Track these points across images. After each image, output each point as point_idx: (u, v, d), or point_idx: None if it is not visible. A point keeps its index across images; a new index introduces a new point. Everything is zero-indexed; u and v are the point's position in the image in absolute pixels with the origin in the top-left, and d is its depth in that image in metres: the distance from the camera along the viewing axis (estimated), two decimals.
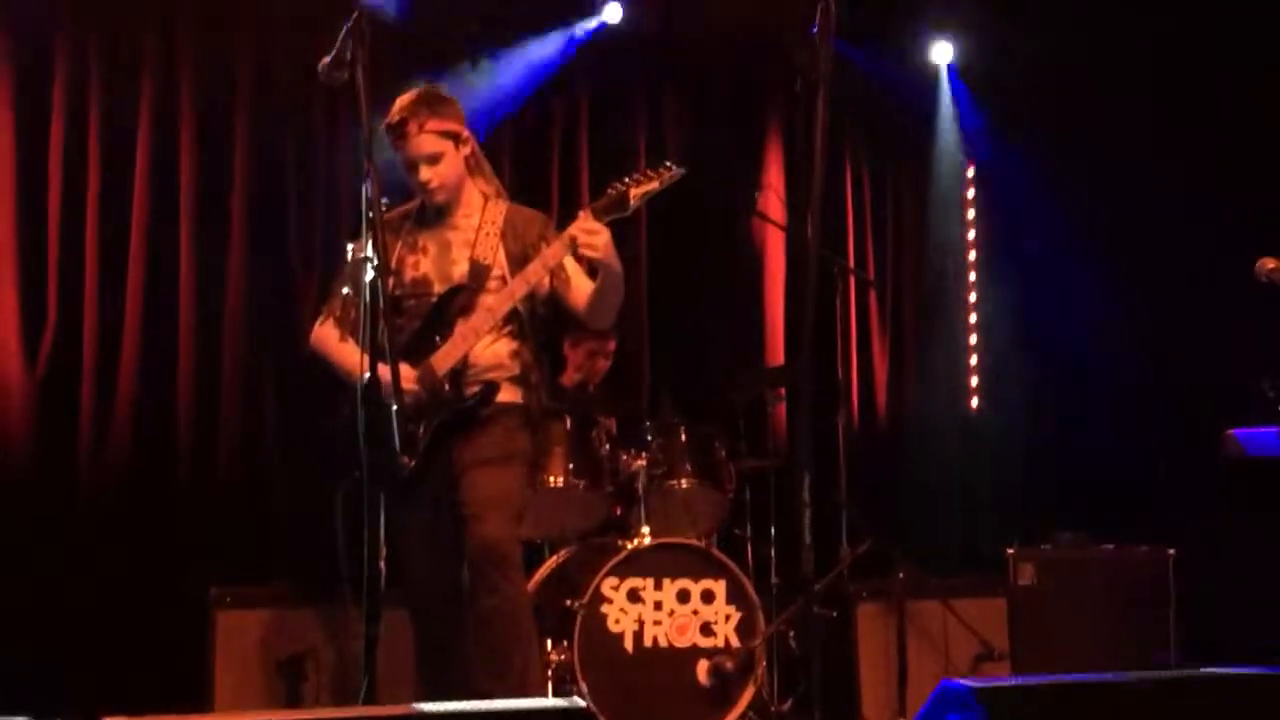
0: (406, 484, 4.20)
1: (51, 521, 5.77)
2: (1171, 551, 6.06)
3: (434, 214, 4.41)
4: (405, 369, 4.10)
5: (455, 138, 4.34)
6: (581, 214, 4.23)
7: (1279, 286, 4.59)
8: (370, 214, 3.57)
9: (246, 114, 6.31)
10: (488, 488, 4.19)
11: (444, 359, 4.24)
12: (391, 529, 4.03)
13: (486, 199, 4.42)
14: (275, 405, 6.23)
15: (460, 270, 4.32)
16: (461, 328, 4.24)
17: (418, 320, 4.30)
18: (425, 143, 4.28)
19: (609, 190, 4.23)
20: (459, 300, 4.28)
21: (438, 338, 4.26)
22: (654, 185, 4.22)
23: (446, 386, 4.23)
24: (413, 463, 4.18)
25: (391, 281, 4.24)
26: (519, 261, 4.30)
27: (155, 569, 5.78)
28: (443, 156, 4.31)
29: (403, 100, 4.33)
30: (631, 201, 4.20)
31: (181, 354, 6.08)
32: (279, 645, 5.03)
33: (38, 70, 5.96)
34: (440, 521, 4.28)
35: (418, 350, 4.26)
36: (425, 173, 4.30)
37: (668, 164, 4.24)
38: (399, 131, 4.28)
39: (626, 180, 4.22)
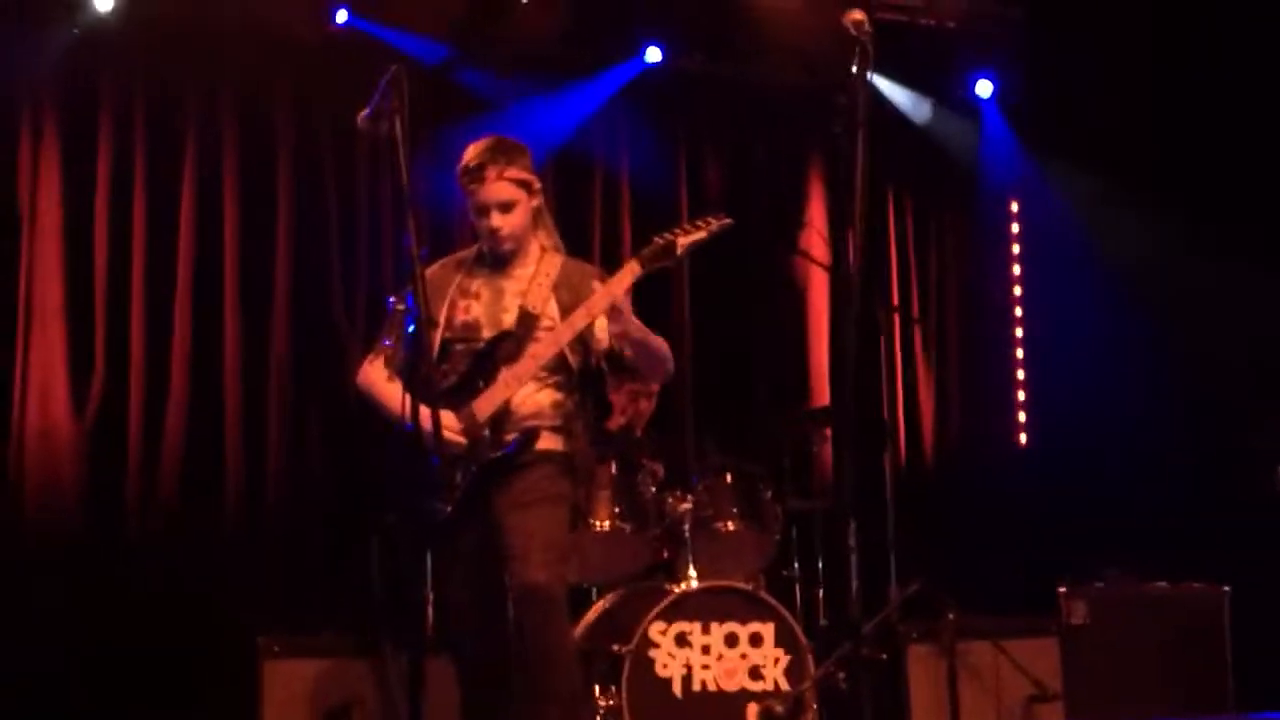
0: (447, 530, 4.19)
1: (100, 570, 5.81)
2: (1226, 589, 5.99)
3: (491, 261, 4.39)
4: (447, 416, 4.10)
5: (529, 187, 4.33)
6: (629, 263, 4.22)
7: None
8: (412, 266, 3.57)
9: (288, 169, 6.38)
10: (529, 529, 4.17)
11: (485, 404, 4.24)
12: (436, 577, 4.05)
13: (544, 251, 4.42)
14: (322, 457, 6.26)
15: (510, 317, 4.32)
16: (505, 374, 4.24)
17: (464, 364, 4.30)
18: (502, 189, 4.27)
19: (656, 240, 4.23)
20: (505, 347, 4.28)
21: (481, 383, 4.26)
22: (701, 235, 4.24)
23: (486, 433, 4.22)
24: (450, 509, 4.17)
25: (442, 324, 4.26)
26: (570, 313, 4.30)
27: (204, 617, 5.80)
28: (516, 205, 4.30)
29: (479, 145, 4.32)
30: (678, 251, 4.21)
31: (228, 407, 6.12)
32: (327, 695, 5.02)
33: (84, 132, 6.05)
34: (484, 567, 4.26)
35: (461, 395, 4.26)
36: (497, 219, 4.28)
37: (716, 214, 4.23)
38: (477, 176, 4.27)
39: (675, 230, 4.23)
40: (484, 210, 4.29)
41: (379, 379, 4.30)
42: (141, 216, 6.09)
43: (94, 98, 6.08)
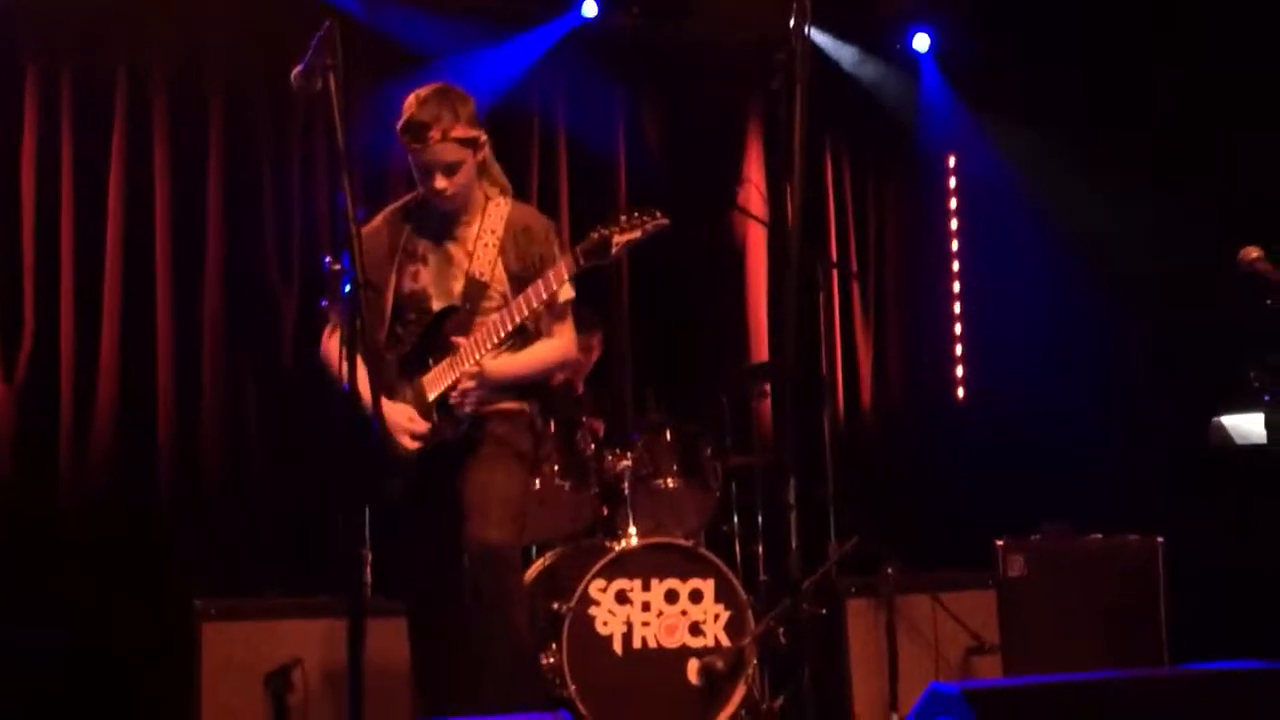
0: (402, 495, 4.19)
1: (31, 533, 5.75)
2: (1160, 540, 6.07)
3: (435, 218, 4.32)
4: (402, 409, 4.10)
5: (474, 144, 4.22)
6: (564, 258, 4.14)
7: (1260, 275, 4.58)
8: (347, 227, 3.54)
9: (220, 126, 6.29)
10: (488, 486, 4.17)
11: (433, 383, 4.21)
12: (381, 532, 4.05)
13: (488, 200, 4.34)
14: (257, 415, 6.23)
15: (458, 286, 4.26)
16: (451, 358, 4.19)
17: (414, 335, 4.26)
18: (446, 150, 4.16)
19: (592, 234, 4.13)
20: (454, 319, 4.23)
21: (430, 359, 4.23)
22: (636, 235, 4.13)
23: (434, 416, 4.19)
24: (399, 485, 4.16)
25: (391, 287, 4.22)
26: (519, 281, 4.23)
27: (138, 581, 5.76)
28: (461, 165, 4.19)
29: (420, 97, 4.17)
30: (613, 250, 4.12)
31: (160, 367, 6.06)
32: (267, 657, 5.00)
33: (8, 92, 5.94)
34: (438, 524, 4.25)
35: (410, 369, 4.24)
36: (441, 181, 4.18)
37: (654, 211, 4.16)
38: (419, 135, 4.14)
39: (611, 227, 4.12)
40: (427, 171, 4.20)
41: (336, 354, 4.23)
42: (69, 173, 6.00)
43: (16, 57, 5.97)
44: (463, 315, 4.22)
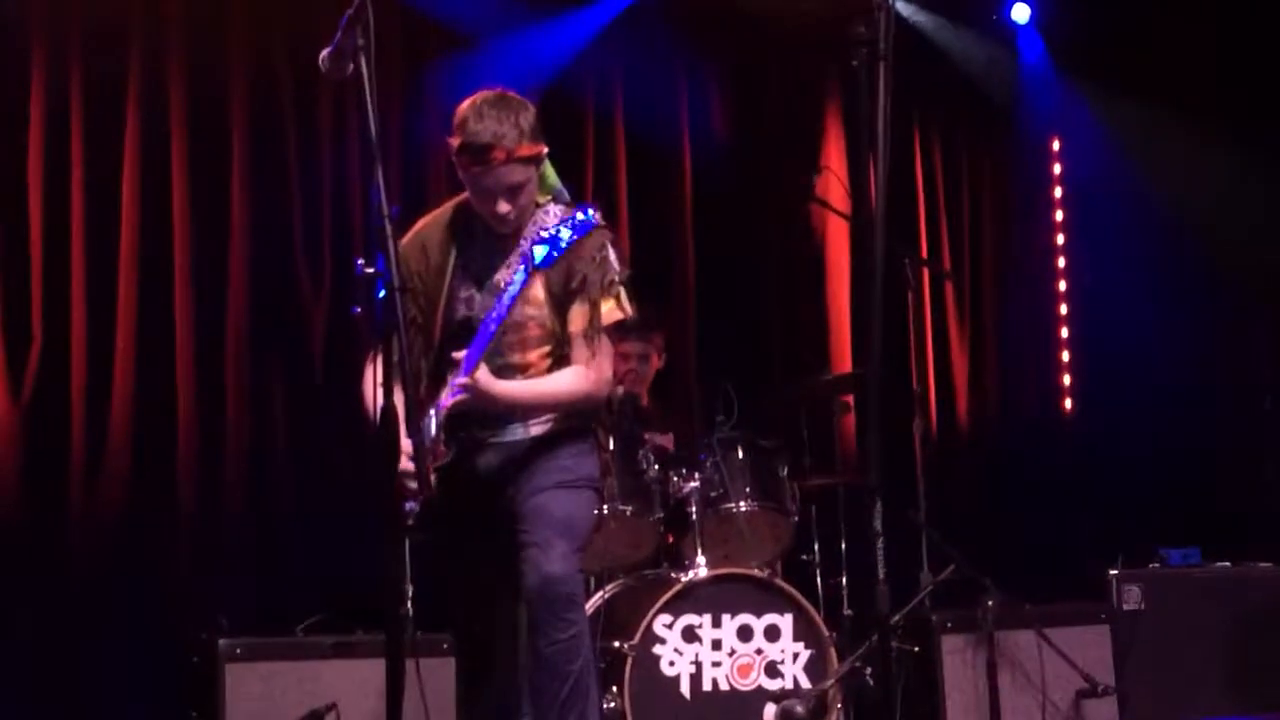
0: (450, 516, 4.20)
1: (41, 564, 5.81)
2: None
3: (485, 233, 4.27)
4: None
5: (538, 160, 4.18)
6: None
7: None
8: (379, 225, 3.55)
9: (244, 119, 6.33)
10: (553, 515, 4.15)
11: (443, 406, 4.20)
12: (430, 565, 4.07)
13: (538, 208, 4.28)
14: (286, 435, 6.26)
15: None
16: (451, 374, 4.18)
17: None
18: (512, 172, 4.10)
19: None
20: (465, 333, 4.21)
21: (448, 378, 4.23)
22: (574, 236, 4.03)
23: (441, 436, 4.18)
24: (418, 505, 4.17)
25: (441, 313, 4.23)
26: (559, 302, 4.18)
27: (156, 618, 5.81)
28: (525, 186, 4.14)
29: (477, 108, 4.10)
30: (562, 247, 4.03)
31: (180, 382, 6.11)
32: (298, 701, 5.03)
33: (14, 77, 6.00)
34: (493, 555, 4.27)
35: (436, 392, 4.25)
36: (504, 205, 4.13)
37: (585, 207, 4.06)
38: (481, 158, 4.07)
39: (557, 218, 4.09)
40: (487, 195, 4.14)
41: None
42: (79, 170, 6.06)
43: (26, 39, 6.05)
44: (475, 326, 4.18)
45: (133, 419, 6.03)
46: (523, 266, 4.01)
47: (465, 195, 4.30)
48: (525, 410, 4.21)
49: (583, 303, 4.19)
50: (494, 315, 4.05)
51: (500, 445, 4.24)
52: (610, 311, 4.21)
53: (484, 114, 4.09)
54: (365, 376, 4.07)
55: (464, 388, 4.06)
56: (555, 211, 4.26)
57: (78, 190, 6.04)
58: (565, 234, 3.99)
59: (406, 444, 3.98)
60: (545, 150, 4.21)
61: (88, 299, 6.02)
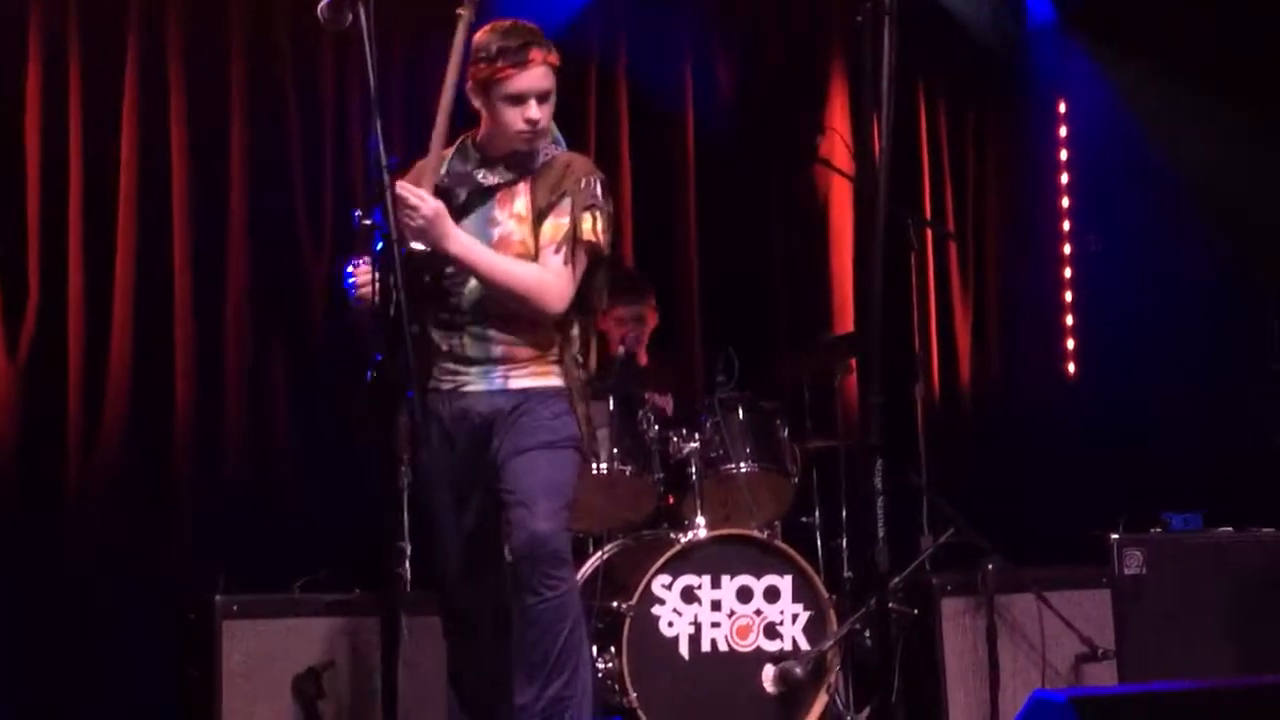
0: (436, 474, 4.21)
1: (39, 524, 5.81)
2: None
3: (479, 168, 4.33)
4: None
5: (556, 82, 4.32)
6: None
7: None
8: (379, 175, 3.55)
9: (242, 69, 6.30)
10: (536, 473, 4.20)
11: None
12: (420, 525, 4.08)
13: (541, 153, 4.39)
14: (285, 393, 6.26)
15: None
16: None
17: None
18: (544, 77, 4.24)
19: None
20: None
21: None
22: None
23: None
24: (409, 456, 4.19)
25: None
26: (540, 214, 4.27)
27: (154, 575, 5.82)
28: (551, 96, 4.28)
29: (504, 28, 4.26)
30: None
31: (179, 341, 6.09)
32: (293, 658, 5.05)
33: (10, 31, 5.97)
34: (479, 515, 4.29)
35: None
36: (536, 110, 4.23)
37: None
38: (519, 58, 4.20)
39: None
40: (520, 99, 4.23)
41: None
42: (77, 126, 6.03)
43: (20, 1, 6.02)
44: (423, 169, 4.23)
45: (131, 378, 6.02)
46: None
47: (457, 140, 4.35)
48: (471, 268, 4.20)
49: (557, 216, 4.26)
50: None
51: (476, 396, 4.25)
52: (586, 232, 4.26)
53: (511, 30, 4.26)
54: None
55: (421, 201, 4.06)
56: (555, 153, 4.34)
57: (75, 148, 6.01)
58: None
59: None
60: None
61: (85, 257, 6.00)
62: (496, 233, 4.28)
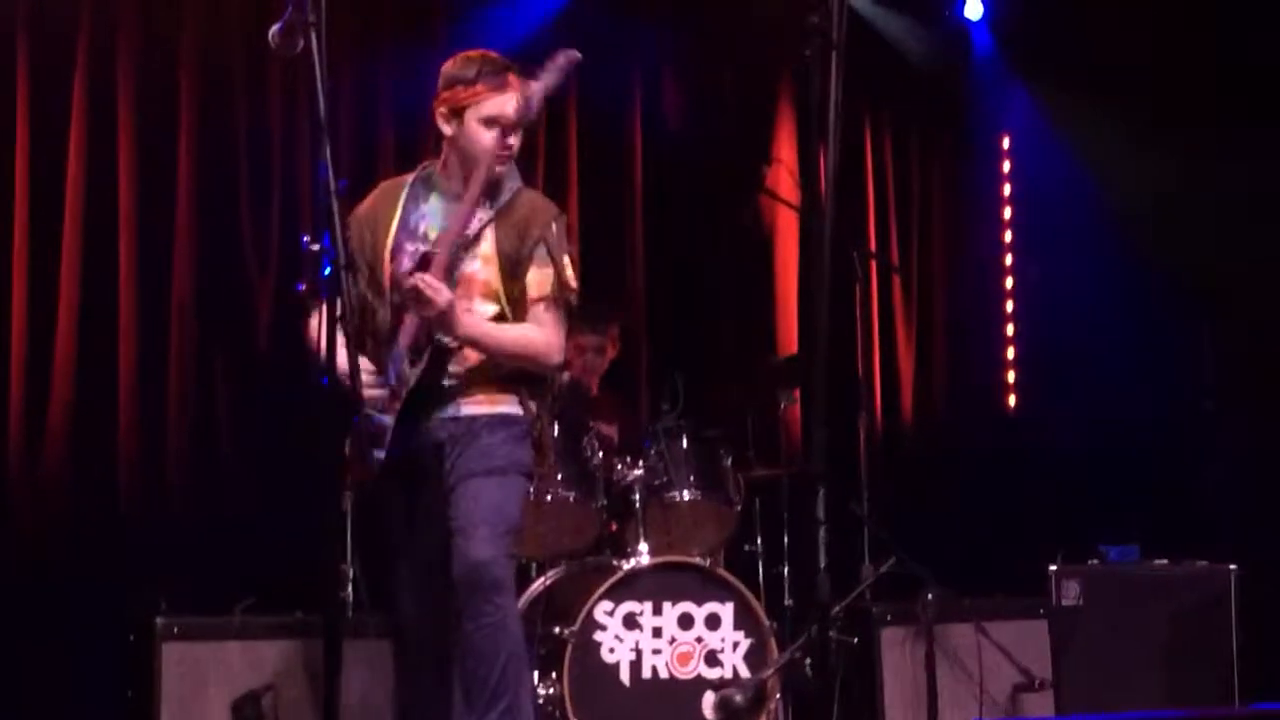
0: (385, 496, 4.21)
1: None
2: (1234, 568, 6.05)
3: (441, 196, 4.32)
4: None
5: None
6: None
7: None
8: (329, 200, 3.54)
9: (192, 89, 6.28)
10: (478, 501, 4.18)
11: (406, 332, 4.20)
12: (366, 547, 4.08)
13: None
14: (229, 412, 6.23)
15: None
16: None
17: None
18: (516, 104, 4.24)
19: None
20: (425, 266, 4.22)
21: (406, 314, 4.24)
22: (554, 77, 4.20)
23: (405, 365, 4.19)
24: (384, 456, 4.17)
25: (387, 269, 4.25)
26: (510, 261, 4.24)
27: (92, 597, 5.77)
28: (519, 126, 4.28)
29: (472, 56, 4.30)
30: (534, 104, 4.18)
31: (122, 360, 6.06)
32: (235, 681, 5.01)
33: None
34: (425, 539, 4.28)
35: (393, 338, 4.26)
36: (513, 137, 4.25)
37: (565, 51, 4.18)
38: (496, 81, 4.24)
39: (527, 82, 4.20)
40: (496, 122, 4.24)
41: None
42: (24, 141, 5.99)
43: None
44: (435, 260, 4.20)
45: (74, 392, 5.98)
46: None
47: (409, 173, 4.35)
48: (478, 347, 4.22)
49: (540, 267, 4.25)
50: (449, 237, 4.12)
51: (434, 423, 4.24)
52: (569, 280, 4.30)
53: (486, 58, 4.31)
54: (308, 325, 4.12)
55: (435, 293, 4.06)
56: (515, 186, 4.35)
57: (21, 163, 5.97)
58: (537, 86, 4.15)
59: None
60: None
61: (29, 271, 5.96)
62: (462, 270, 4.25)
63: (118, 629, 5.37)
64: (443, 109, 4.30)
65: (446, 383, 4.24)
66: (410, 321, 4.19)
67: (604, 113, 7.13)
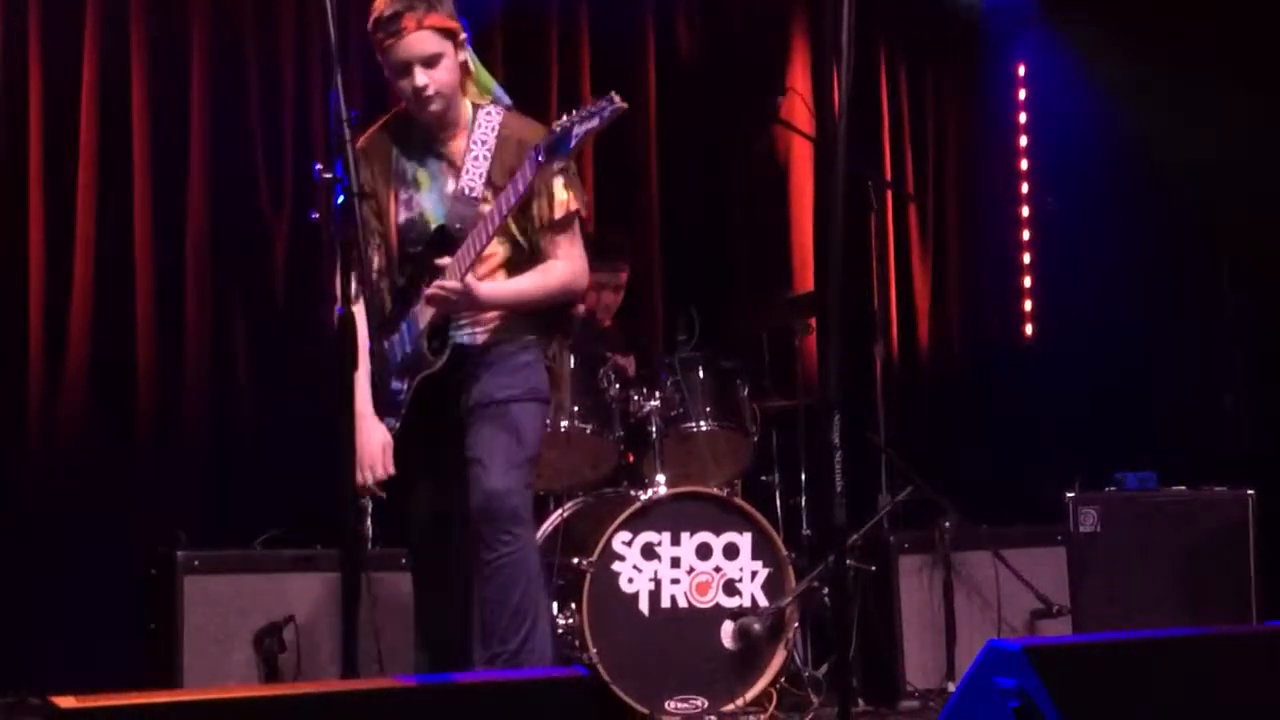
0: (407, 428, 4.21)
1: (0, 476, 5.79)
2: (1251, 493, 6.05)
3: (419, 135, 4.31)
4: (375, 435, 4.14)
5: (454, 37, 4.20)
6: (527, 156, 4.09)
7: None
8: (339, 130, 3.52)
9: (203, 22, 6.25)
10: (496, 431, 4.18)
11: (424, 313, 4.20)
12: (396, 477, 4.09)
13: (477, 109, 4.34)
14: (246, 348, 6.24)
15: (448, 206, 4.26)
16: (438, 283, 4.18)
17: (410, 267, 4.26)
18: (424, 41, 4.13)
19: (552, 127, 4.08)
20: (444, 240, 4.22)
21: (423, 286, 4.22)
22: (595, 124, 4.04)
23: (425, 343, 4.19)
24: (398, 424, 4.18)
25: (393, 220, 4.24)
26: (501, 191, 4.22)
27: (114, 532, 5.80)
28: (441, 59, 4.16)
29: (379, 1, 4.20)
30: (573, 142, 4.06)
31: (139, 300, 6.06)
32: (256, 614, 5.04)
33: None
34: (444, 471, 4.28)
35: (409, 298, 4.24)
36: (421, 77, 4.14)
37: (611, 96, 4.10)
38: (392, 28, 4.12)
39: (568, 117, 4.09)
40: (404, 68, 4.15)
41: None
42: (37, 83, 5.97)
43: None
44: (452, 234, 4.20)
45: (91, 334, 5.98)
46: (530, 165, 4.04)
47: (389, 114, 4.33)
48: (519, 309, 4.23)
49: (543, 193, 4.21)
50: (488, 226, 4.08)
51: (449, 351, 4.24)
52: (572, 200, 4.25)
53: (386, 2, 4.17)
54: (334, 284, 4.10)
55: (450, 293, 4.07)
56: (496, 113, 4.27)
57: (35, 105, 5.96)
58: (578, 129, 4.01)
59: (366, 453, 4.01)
60: (461, 32, 4.24)
61: (45, 213, 5.95)
62: (448, 192, 4.24)
63: (138, 563, 5.41)
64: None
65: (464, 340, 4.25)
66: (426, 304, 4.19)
67: (617, 44, 7.09)
